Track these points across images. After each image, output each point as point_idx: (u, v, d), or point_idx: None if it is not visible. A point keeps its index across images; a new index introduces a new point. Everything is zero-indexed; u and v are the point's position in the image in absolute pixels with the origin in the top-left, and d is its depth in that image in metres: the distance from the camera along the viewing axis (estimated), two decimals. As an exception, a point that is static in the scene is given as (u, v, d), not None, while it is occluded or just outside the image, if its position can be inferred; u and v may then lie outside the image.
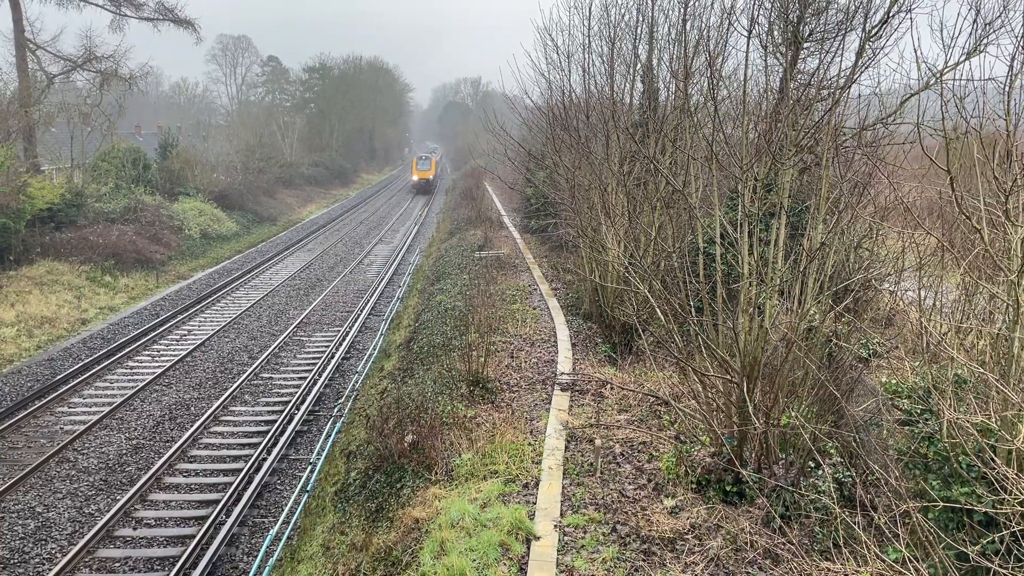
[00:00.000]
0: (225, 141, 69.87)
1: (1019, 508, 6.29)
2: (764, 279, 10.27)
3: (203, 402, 19.64)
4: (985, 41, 8.96)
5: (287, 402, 19.67)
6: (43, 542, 12.97)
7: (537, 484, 10.65)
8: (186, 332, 26.17)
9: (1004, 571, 6.12)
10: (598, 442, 11.66)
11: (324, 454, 16.23)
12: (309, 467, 15.73)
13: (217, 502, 14.31)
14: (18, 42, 38.73)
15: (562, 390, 14.53)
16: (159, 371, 21.55)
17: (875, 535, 7.65)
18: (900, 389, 9.15)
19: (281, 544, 12.84)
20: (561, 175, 22.18)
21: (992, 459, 6.62)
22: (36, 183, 33.14)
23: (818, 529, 8.60)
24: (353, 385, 20.79)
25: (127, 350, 23.54)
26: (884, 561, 6.85)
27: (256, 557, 12.64)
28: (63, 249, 32.29)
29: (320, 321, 28.50)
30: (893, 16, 10.50)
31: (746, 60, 10.44)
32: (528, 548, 9.00)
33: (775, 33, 14.46)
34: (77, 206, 36.07)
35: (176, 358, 22.85)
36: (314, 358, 23.70)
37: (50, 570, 12.07)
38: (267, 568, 12.14)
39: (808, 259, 10.00)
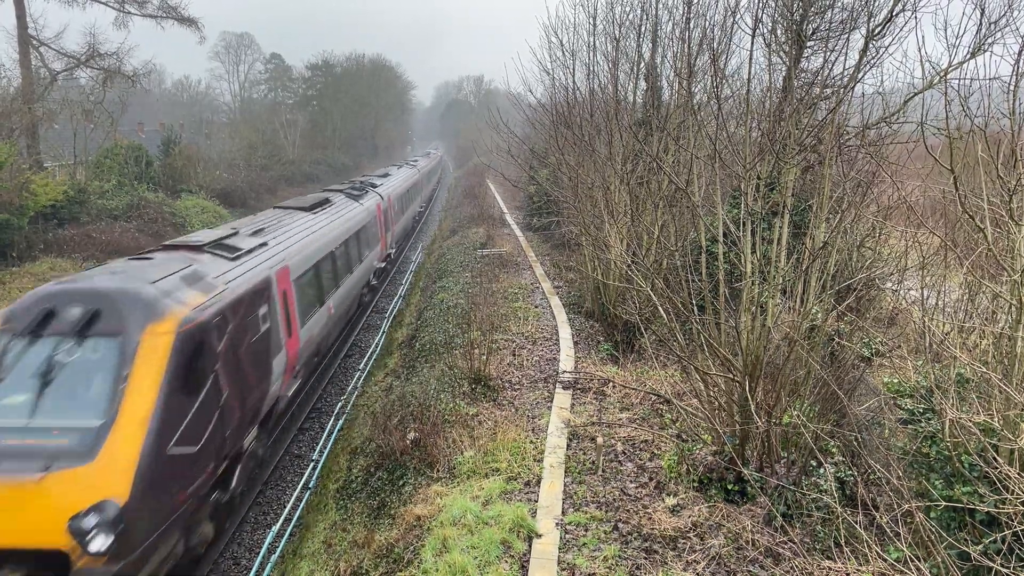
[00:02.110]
0: (228, 139, 69.91)
1: (1021, 508, 6.29)
2: (767, 278, 10.27)
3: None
4: (990, 40, 8.94)
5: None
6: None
7: (539, 482, 10.65)
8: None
9: (1006, 571, 6.12)
10: (600, 440, 11.66)
11: (326, 452, 16.24)
12: (311, 464, 15.74)
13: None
14: (21, 39, 38.76)
15: (564, 388, 14.53)
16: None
17: (877, 534, 7.66)
18: (902, 388, 9.15)
19: (283, 541, 12.86)
20: (564, 173, 22.16)
21: (994, 459, 6.62)
22: (39, 180, 33.15)
23: (820, 528, 8.60)
24: (355, 383, 20.80)
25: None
26: (886, 560, 6.85)
27: (259, 554, 12.66)
28: (66, 246, 32.33)
29: (322, 319, 28.46)
30: (897, 15, 10.47)
31: (750, 59, 10.43)
32: (530, 546, 9.01)
33: (779, 32, 14.45)
34: (80, 203, 36.11)
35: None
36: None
37: None
38: (269, 565, 12.16)
39: (811, 258, 9.99)
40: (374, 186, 33.71)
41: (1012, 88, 7.13)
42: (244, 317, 12.19)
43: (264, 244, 15.16)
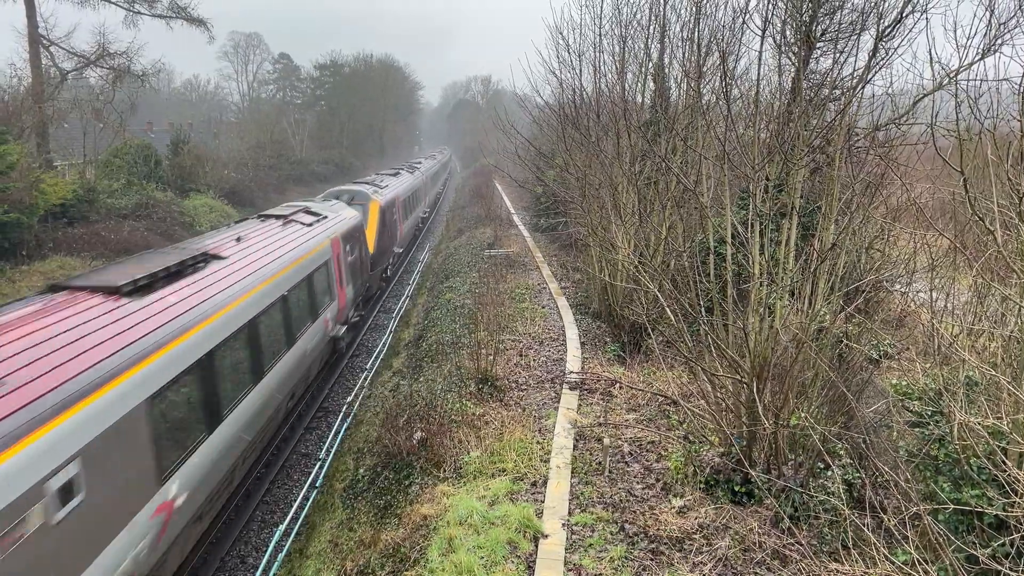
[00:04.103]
0: (236, 138, 70.19)
1: (1030, 511, 6.26)
2: (775, 279, 10.25)
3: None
4: (999, 41, 8.91)
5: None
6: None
7: (545, 482, 10.66)
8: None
9: (1014, 574, 6.10)
10: (606, 441, 11.66)
11: (333, 451, 16.29)
12: (318, 464, 15.79)
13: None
14: (32, 38, 38.94)
15: (571, 389, 14.52)
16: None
17: (884, 537, 7.63)
18: (911, 391, 9.12)
19: (290, 540, 12.90)
20: (571, 174, 22.15)
21: (1003, 461, 6.60)
22: (49, 179, 33.30)
23: (827, 530, 8.58)
24: (362, 383, 20.84)
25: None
26: (893, 563, 6.83)
27: (265, 552, 12.69)
28: (75, 244, 32.44)
29: (329, 318, 28.49)
30: (907, 16, 10.45)
31: (759, 60, 10.42)
32: (536, 546, 9.01)
33: (788, 33, 14.42)
34: (89, 202, 36.24)
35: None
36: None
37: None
38: (276, 563, 12.19)
39: (819, 259, 9.97)
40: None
41: (1022, 89, 7.10)
42: None
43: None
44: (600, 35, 20.15)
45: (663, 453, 11.51)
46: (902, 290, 14.05)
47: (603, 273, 19.31)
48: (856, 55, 12.24)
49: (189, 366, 10.61)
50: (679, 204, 15.72)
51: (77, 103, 41.13)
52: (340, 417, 18.42)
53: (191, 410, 10.82)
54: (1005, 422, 6.78)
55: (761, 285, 9.79)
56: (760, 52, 10.43)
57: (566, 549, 8.93)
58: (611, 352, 17.27)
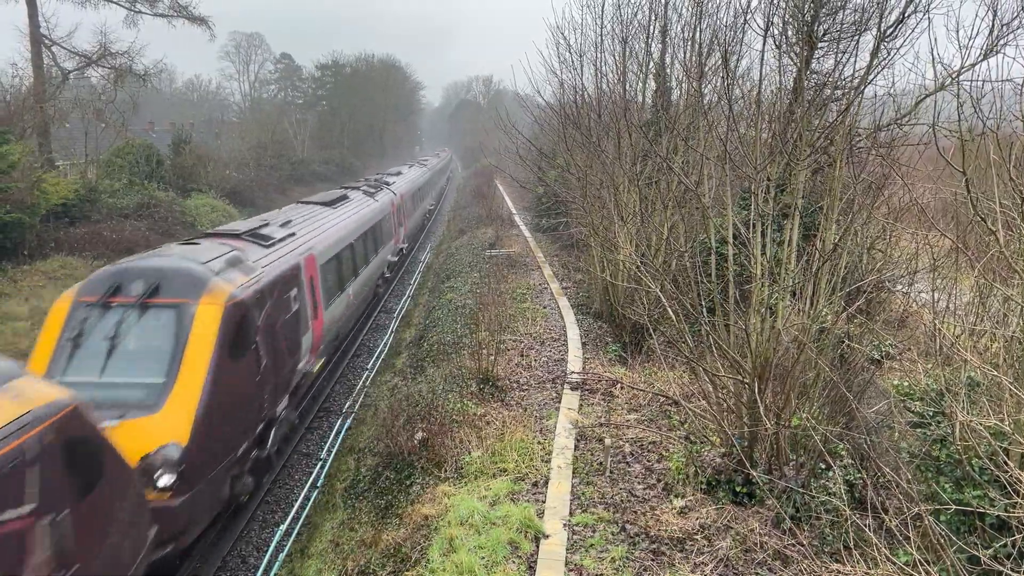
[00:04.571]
0: (237, 138, 70.22)
1: (1032, 512, 6.25)
2: (776, 280, 10.24)
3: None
4: (1002, 42, 8.91)
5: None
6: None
7: (546, 483, 10.65)
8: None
9: (1015, 575, 6.09)
10: (608, 441, 11.65)
11: (334, 451, 16.28)
12: (319, 463, 15.79)
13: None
14: (33, 37, 38.96)
15: (572, 389, 14.52)
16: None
17: (886, 537, 7.62)
18: (912, 391, 9.10)
19: (291, 540, 12.90)
20: (573, 174, 22.16)
21: (1005, 462, 6.59)
22: (50, 179, 33.30)
23: (828, 531, 8.57)
24: (363, 383, 20.84)
25: (139, 345, 23.40)
26: (895, 564, 6.82)
27: (266, 552, 12.70)
28: (76, 244, 32.44)
29: (331, 318, 28.46)
30: (908, 16, 10.45)
31: (761, 60, 10.44)
32: (537, 546, 9.01)
33: (789, 32, 14.41)
34: (91, 202, 36.24)
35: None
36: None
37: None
38: (276, 563, 12.19)
39: (821, 260, 9.96)
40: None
41: (1025, 90, 7.10)
42: None
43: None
44: (601, 35, 20.16)
45: (664, 453, 11.50)
46: (904, 291, 14.05)
47: (604, 273, 19.30)
48: (858, 55, 12.25)
49: None
50: (680, 204, 15.72)
51: (79, 103, 41.10)
52: (341, 417, 18.42)
53: None
54: (1007, 423, 6.77)
55: (763, 285, 9.78)
56: (762, 52, 10.44)
57: (567, 549, 8.93)
58: (612, 352, 17.26)
